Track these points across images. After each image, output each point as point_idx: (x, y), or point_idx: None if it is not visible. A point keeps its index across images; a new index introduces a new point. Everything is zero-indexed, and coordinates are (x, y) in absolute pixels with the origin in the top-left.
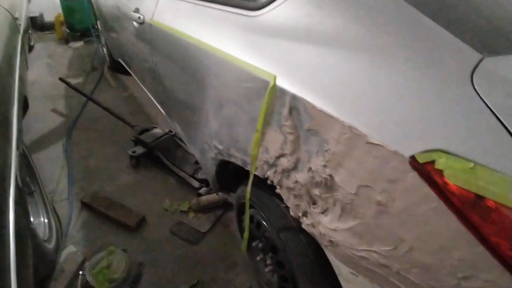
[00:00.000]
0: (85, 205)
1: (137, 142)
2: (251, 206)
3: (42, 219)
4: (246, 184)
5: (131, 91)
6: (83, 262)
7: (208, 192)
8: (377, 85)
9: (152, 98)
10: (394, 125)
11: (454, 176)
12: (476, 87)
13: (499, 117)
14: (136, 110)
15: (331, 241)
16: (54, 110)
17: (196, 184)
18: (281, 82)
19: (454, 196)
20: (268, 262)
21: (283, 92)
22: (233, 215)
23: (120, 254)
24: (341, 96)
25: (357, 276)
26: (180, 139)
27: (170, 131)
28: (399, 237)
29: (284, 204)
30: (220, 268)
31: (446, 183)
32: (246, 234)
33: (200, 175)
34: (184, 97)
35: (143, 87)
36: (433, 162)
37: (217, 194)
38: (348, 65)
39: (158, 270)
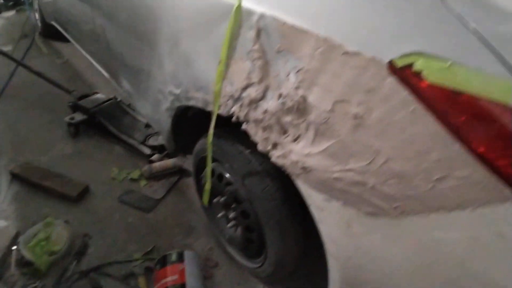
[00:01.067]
0: (15, 177)
1: (75, 108)
2: (212, 160)
3: None
4: (205, 136)
5: (66, 57)
6: (17, 236)
7: (161, 159)
8: None
9: (93, 61)
10: (370, 32)
11: (432, 75)
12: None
13: (468, 24)
14: (73, 77)
15: (304, 168)
16: None
17: (147, 151)
18: (247, 3)
19: (432, 95)
20: (230, 216)
21: (249, 12)
22: (190, 182)
23: (60, 225)
24: (311, 8)
25: (330, 201)
26: (127, 106)
27: (115, 98)
28: (376, 150)
29: (248, 150)
30: (177, 233)
31: (424, 84)
32: (208, 185)
33: (151, 142)
34: (133, 47)
35: (81, 50)
36: (410, 65)
37: (168, 160)
38: None
39: (107, 240)
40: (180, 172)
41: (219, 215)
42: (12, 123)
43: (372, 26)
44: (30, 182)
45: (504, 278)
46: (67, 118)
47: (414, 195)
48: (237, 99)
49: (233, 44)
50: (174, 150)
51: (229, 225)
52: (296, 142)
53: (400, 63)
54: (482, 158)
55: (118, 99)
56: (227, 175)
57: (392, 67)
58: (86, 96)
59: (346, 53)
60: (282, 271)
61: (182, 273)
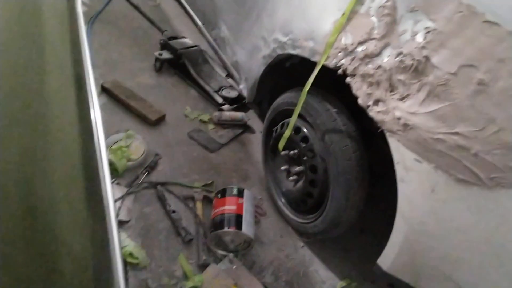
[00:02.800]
0: (105, 90)
1: (164, 46)
2: (287, 116)
3: None
4: (293, 91)
5: (159, 1)
6: None
7: (231, 110)
8: None
9: (188, 8)
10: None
11: None
12: None
13: None
14: (162, 20)
15: (405, 125)
16: None
17: (219, 99)
18: None
19: None
20: (294, 171)
21: None
22: (252, 138)
23: (139, 139)
24: None
25: (421, 162)
26: (209, 56)
27: (199, 46)
28: (491, 118)
29: (335, 109)
30: (234, 177)
31: None
32: (287, 132)
33: (224, 93)
34: None
35: None
36: None
37: (236, 112)
38: None
39: (174, 164)
40: (245, 127)
41: (282, 168)
42: (105, 45)
43: None
44: (117, 98)
45: None
46: (156, 53)
47: None
48: (350, 52)
49: None
50: (251, 101)
51: (290, 178)
52: (402, 100)
53: None
54: None
55: (202, 48)
56: (305, 130)
57: None
58: (175, 37)
59: (486, 21)
60: (334, 230)
61: (240, 206)
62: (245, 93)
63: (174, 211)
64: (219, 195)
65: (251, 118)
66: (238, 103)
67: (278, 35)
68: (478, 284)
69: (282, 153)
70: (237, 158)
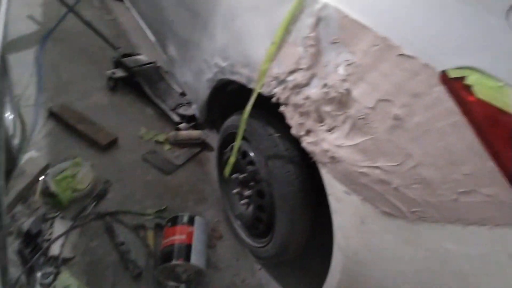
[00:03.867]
0: (53, 115)
1: (118, 64)
2: (232, 138)
3: (8, 113)
4: (239, 113)
5: (115, 15)
6: (46, 167)
7: (187, 129)
8: None
9: (142, 23)
10: (429, 39)
11: (482, 92)
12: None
13: None
14: (118, 35)
15: (333, 157)
16: (31, 17)
17: (176, 118)
18: None
19: (477, 110)
20: (245, 194)
21: (316, 0)
22: (209, 156)
23: (87, 167)
24: (375, 5)
25: (350, 195)
26: (166, 72)
27: (155, 62)
28: (408, 153)
29: (277, 134)
30: (190, 200)
31: (472, 98)
32: (233, 159)
33: (181, 111)
34: (186, 16)
35: (133, 10)
36: (462, 78)
37: (193, 131)
38: None
39: (125, 191)
40: (203, 145)
41: (234, 191)
42: (56, 65)
43: (432, 33)
44: (65, 123)
45: None
46: (109, 72)
47: (436, 203)
48: (281, 82)
49: (289, 28)
50: (203, 121)
51: (242, 202)
52: (330, 132)
53: (453, 74)
54: None
55: (158, 64)
56: (252, 154)
57: (444, 77)
58: (129, 55)
59: (401, 55)
60: (284, 255)
61: (190, 235)
62: (197, 113)
63: (122, 243)
64: (169, 224)
65: (211, 135)
66: (195, 121)
67: (218, 59)
68: None
69: (233, 176)
70: (194, 178)
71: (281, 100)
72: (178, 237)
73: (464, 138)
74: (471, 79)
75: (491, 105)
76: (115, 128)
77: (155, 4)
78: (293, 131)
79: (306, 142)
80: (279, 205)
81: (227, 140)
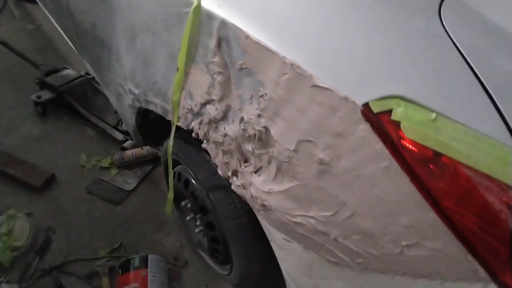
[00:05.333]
0: None
1: (42, 85)
2: (178, 162)
3: None
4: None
5: (39, 23)
6: None
7: (135, 146)
8: (328, 13)
9: (60, 30)
10: (347, 64)
11: (412, 129)
12: (444, 22)
13: (468, 59)
14: (44, 46)
15: (263, 205)
16: None
17: (119, 136)
18: (208, 3)
19: (409, 153)
20: (197, 223)
21: (210, 16)
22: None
23: (23, 218)
24: (282, 24)
25: (291, 242)
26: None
27: (87, 74)
28: (341, 201)
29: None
30: (147, 228)
31: (401, 138)
32: (170, 195)
33: (124, 126)
34: (92, 27)
35: (49, 15)
36: (389, 112)
37: (142, 148)
38: None
39: (71, 235)
40: (155, 160)
41: (188, 217)
42: None
43: (351, 56)
44: None
45: None
46: (33, 96)
47: (380, 255)
48: (196, 114)
49: (192, 51)
50: (142, 144)
51: (197, 230)
52: (257, 174)
53: (376, 108)
54: (460, 234)
55: (90, 76)
56: (193, 182)
57: (367, 111)
58: (55, 71)
59: (315, 86)
60: (247, 283)
61: (144, 280)
62: (132, 137)
63: None
64: (120, 271)
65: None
66: None
67: (130, 85)
68: None
69: (182, 204)
70: (149, 202)
71: (200, 136)
72: (132, 285)
73: (399, 185)
74: (397, 113)
75: (423, 145)
76: (51, 162)
77: (65, 9)
78: (219, 171)
79: (235, 185)
80: (230, 237)
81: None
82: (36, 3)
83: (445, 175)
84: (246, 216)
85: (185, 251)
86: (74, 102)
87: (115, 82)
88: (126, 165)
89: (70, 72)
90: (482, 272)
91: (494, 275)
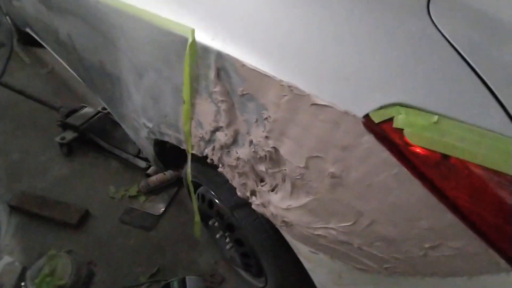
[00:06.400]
0: (14, 209)
1: (64, 126)
2: (200, 184)
3: None
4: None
5: (51, 65)
6: (23, 272)
7: (158, 171)
8: (319, 32)
9: (71, 70)
10: (342, 79)
11: (415, 134)
12: (434, 20)
13: (463, 55)
14: (60, 88)
15: (284, 221)
16: None
17: (142, 164)
18: (203, 37)
19: (416, 158)
20: (227, 240)
21: (206, 50)
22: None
23: (64, 256)
24: (274, 48)
25: (317, 254)
26: None
27: (104, 109)
28: (358, 211)
29: None
30: (181, 249)
31: (407, 144)
32: (197, 218)
33: (145, 154)
34: (102, 68)
35: (58, 57)
36: (391, 120)
37: (164, 174)
38: (280, 8)
39: (112, 265)
40: (178, 182)
41: (218, 235)
42: (2, 148)
43: (346, 71)
44: (29, 213)
45: None
46: (57, 139)
47: (405, 259)
48: (208, 141)
49: (195, 84)
50: (164, 170)
51: (228, 246)
52: (274, 191)
53: (377, 118)
54: (477, 230)
55: (107, 110)
56: (217, 203)
57: (368, 123)
58: (74, 111)
59: (314, 104)
60: None
61: None
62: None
63: None
64: None
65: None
66: None
67: (144, 120)
68: None
69: (210, 223)
70: (179, 224)
71: (215, 162)
72: None
73: (412, 191)
74: (398, 120)
75: (429, 149)
76: (84, 198)
77: (72, 48)
78: (238, 192)
79: (255, 205)
80: (259, 251)
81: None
82: (43, 46)
83: (456, 176)
84: (272, 229)
85: (220, 268)
86: (96, 137)
87: (129, 117)
88: (153, 191)
89: (88, 110)
90: (503, 263)
91: None
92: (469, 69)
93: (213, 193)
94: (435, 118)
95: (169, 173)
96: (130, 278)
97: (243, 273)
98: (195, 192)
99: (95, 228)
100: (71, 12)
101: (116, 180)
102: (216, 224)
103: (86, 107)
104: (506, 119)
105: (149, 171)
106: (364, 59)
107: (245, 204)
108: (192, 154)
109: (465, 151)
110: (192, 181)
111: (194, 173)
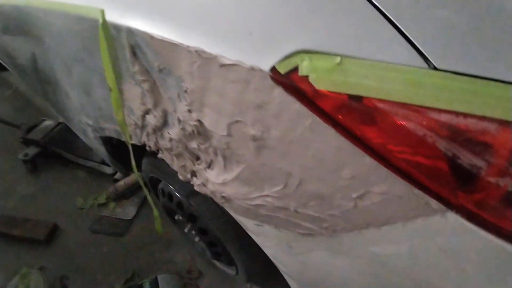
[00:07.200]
0: None
1: (27, 142)
2: (157, 179)
3: None
4: (148, 155)
5: (15, 86)
6: None
7: (125, 176)
8: None
9: (25, 84)
10: (246, 34)
11: (320, 79)
12: None
13: None
14: (23, 106)
15: (224, 197)
16: None
17: (109, 170)
18: (113, 16)
19: (325, 103)
20: (193, 232)
21: (118, 29)
22: None
23: (36, 273)
24: (176, 14)
25: (262, 226)
26: None
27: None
28: (286, 172)
29: None
30: (156, 250)
31: (314, 91)
32: (155, 212)
33: None
34: (44, 74)
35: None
36: (297, 69)
37: (132, 176)
38: None
39: (85, 276)
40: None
41: (186, 230)
42: None
43: (248, 26)
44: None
45: (452, 287)
46: (20, 156)
47: (340, 214)
48: (142, 128)
49: (116, 68)
50: (125, 171)
51: (196, 239)
52: (210, 168)
53: (283, 69)
54: (398, 169)
55: None
56: (175, 194)
57: (276, 75)
58: (34, 126)
59: (223, 65)
60: (256, 277)
61: None
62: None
63: None
64: None
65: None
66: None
67: (84, 118)
68: None
69: (176, 217)
70: (152, 226)
71: (153, 148)
72: None
73: (328, 139)
74: (303, 67)
75: (336, 92)
76: (52, 213)
77: (25, 66)
78: (180, 176)
79: (197, 185)
80: (223, 237)
81: (152, 182)
82: (7, 69)
83: (364, 116)
84: (228, 213)
85: (198, 263)
86: (58, 150)
87: (74, 119)
88: (123, 195)
89: (48, 122)
90: (434, 202)
91: (446, 202)
92: (371, 7)
93: (169, 185)
94: (338, 59)
95: (135, 176)
96: (105, 287)
97: (218, 264)
98: (156, 188)
99: (66, 241)
100: (14, 27)
101: (84, 190)
102: (181, 217)
103: (46, 120)
104: (411, 49)
105: (117, 176)
106: (265, 10)
107: (197, 191)
108: (138, 146)
109: (370, 88)
110: (151, 177)
111: (150, 167)
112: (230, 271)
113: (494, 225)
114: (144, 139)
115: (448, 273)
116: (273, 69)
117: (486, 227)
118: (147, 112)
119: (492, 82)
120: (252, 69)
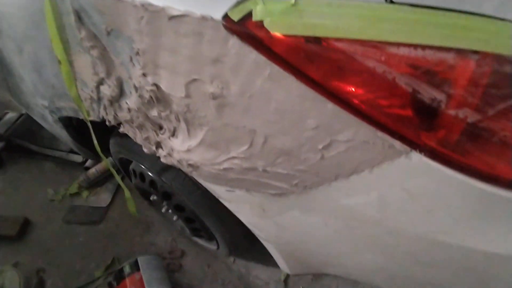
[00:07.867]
0: None
1: None
2: (128, 160)
3: None
4: (114, 135)
5: None
6: None
7: (96, 163)
8: None
9: None
10: None
11: (275, 23)
12: None
13: None
14: None
15: (190, 165)
16: None
17: (78, 158)
18: None
19: (281, 49)
20: (170, 211)
21: None
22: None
23: (10, 270)
24: None
25: (233, 191)
26: None
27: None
28: (250, 130)
29: None
30: (136, 234)
31: (270, 37)
32: (127, 194)
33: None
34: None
35: None
36: (251, 15)
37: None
38: None
39: (62, 268)
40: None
41: (163, 210)
42: None
43: None
44: None
45: (421, 231)
46: None
47: (307, 168)
48: (98, 101)
49: (63, 38)
50: (93, 157)
51: (174, 218)
52: (175, 136)
53: (236, 16)
54: (360, 113)
55: None
56: (147, 173)
57: (229, 23)
58: None
59: (172, 18)
60: (238, 249)
61: (141, 282)
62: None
63: None
64: (115, 283)
65: None
66: None
67: (40, 100)
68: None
69: (151, 198)
70: (129, 210)
71: (112, 122)
72: None
73: (288, 88)
74: (257, 11)
75: (293, 36)
76: (23, 208)
77: None
78: (145, 149)
79: (163, 157)
80: (199, 212)
81: (123, 164)
82: None
83: (321, 57)
84: (202, 186)
85: (179, 243)
86: (23, 142)
87: (31, 103)
88: (96, 183)
89: (11, 115)
90: (397, 144)
91: (409, 142)
92: None
93: (140, 165)
94: (292, 0)
95: (106, 162)
96: (84, 276)
97: (199, 240)
98: (128, 171)
99: (39, 234)
100: None
101: (54, 181)
102: (156, 197)
103: (8, 113)
104: None
105: (88, 163)
106: None
107: (169, 166)
108: (104, 128)
109: (326, 27)
110: (120, 158)
111: (118, 148)
112: (212, 246)
113: (456, 161)
114: (102, 113)
115: (417, 218)
116: (226, 16)
117: (449, 164)
118: (100, 82)
119: (448, 13)
120: (204, 18)
